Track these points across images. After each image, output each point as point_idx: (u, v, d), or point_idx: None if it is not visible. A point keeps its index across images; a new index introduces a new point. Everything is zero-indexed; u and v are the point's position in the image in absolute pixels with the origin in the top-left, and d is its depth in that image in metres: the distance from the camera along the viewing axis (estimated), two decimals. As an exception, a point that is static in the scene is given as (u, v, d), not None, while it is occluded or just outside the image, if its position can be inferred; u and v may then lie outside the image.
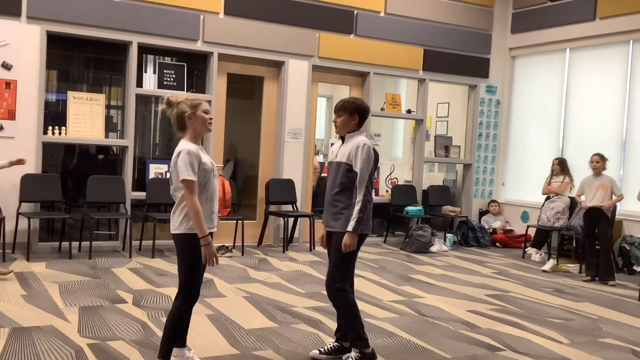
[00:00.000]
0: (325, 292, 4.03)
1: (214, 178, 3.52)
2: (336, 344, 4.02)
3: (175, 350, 3.57)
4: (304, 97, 8.44)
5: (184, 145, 3.43)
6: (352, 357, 3.83)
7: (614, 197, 7.07)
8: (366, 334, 3.90)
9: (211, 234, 3.45)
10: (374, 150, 3.87)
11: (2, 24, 6.79)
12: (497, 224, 9.58)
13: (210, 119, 3.53)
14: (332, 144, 7.64)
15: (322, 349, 4.03)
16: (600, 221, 7.04)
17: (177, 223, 3.44)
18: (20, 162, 5.93)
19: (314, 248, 8.04)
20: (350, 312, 3.87)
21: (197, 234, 3.35)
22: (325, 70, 8.72)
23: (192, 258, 3.42)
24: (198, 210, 3.34)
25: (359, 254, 4.07)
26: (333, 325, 4.43)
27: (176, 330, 3.50)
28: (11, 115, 6.85)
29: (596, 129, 8.69)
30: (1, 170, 5.97)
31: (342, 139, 3.94)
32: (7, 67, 6.82)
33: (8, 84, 6.83)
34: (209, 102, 7.90)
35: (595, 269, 7.08)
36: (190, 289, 3.46)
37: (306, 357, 4.00)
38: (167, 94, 3.62)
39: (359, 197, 3.77)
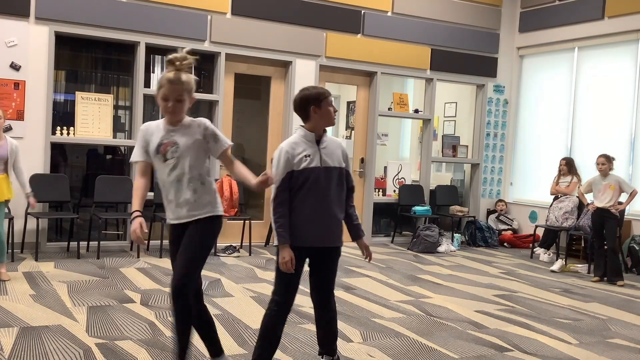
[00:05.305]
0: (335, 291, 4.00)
1: (169, 160, 3.19)
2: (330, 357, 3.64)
3: None
4: (311, 97, 8.43)
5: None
6: None
7: (623, 197, 7.05)
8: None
9: (179, 224, 3.24)
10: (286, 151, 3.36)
11: (10, 25, 6.83)
12: (503, 225, 9.56)
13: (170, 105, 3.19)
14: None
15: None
16: (608, 221, 7.02)
17: None
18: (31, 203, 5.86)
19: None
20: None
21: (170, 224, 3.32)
22: (332, 70, 8.72)
23: (175, 246, 3.30)
24: (134, 187, 3.27)
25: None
26: (340, 325, 4.41)
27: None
28: (20, 116, 6.88)
29: (605, 129, 8.64)
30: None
31: (318, 142, 3.38)
32: (15, 67, 6.86)
33: (17, 84, 6.87)
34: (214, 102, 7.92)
35: (603, 269, 7.05)
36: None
37: (313, 357, 3.99)
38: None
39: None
